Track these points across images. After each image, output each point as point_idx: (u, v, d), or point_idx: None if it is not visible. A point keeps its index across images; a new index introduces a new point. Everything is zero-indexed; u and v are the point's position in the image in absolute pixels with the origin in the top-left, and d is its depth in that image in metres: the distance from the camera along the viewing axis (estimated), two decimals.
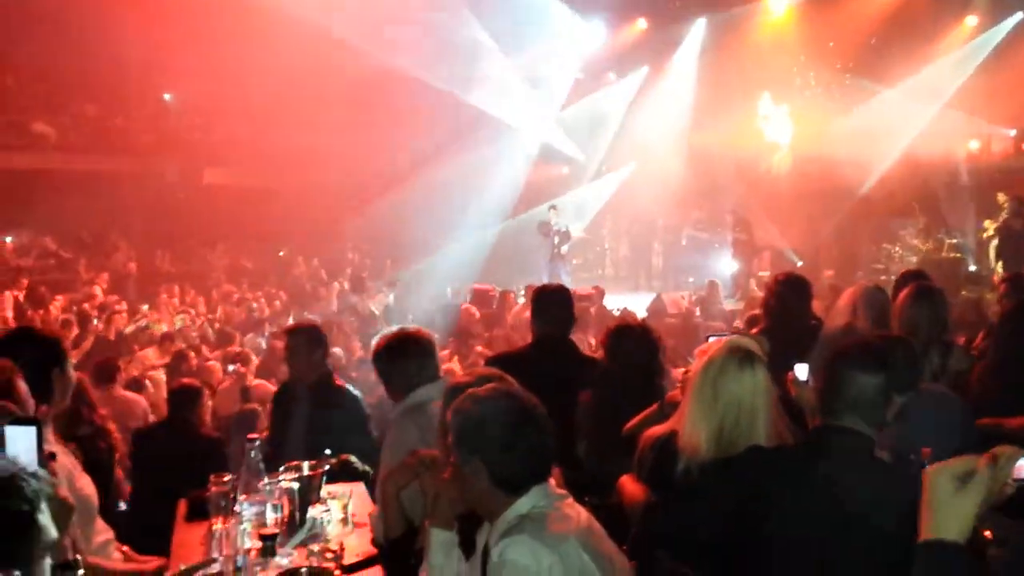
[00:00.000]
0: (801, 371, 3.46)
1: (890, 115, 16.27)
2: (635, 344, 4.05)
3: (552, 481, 2.41)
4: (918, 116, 16.37)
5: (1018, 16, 16.15)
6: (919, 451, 3.05)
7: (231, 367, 8.84)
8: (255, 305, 14.01)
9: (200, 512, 3.44)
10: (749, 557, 2.66)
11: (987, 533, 2.52)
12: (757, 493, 2.67)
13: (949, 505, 1.74)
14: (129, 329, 11.47)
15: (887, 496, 2.58)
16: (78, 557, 2.33)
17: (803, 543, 2.59)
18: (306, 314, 12.66)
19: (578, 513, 2.39)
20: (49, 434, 3.00)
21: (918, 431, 3.27)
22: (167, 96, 20.00)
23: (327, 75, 16.35)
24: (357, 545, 3.27)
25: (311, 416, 4.69)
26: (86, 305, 12.84)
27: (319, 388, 4.85)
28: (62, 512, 2.33)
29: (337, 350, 10.52)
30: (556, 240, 16.67)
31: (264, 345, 10.81)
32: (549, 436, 2.40)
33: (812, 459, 2.69)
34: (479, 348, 9.52)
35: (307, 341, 4.91)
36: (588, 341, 9.03)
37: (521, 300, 13.30)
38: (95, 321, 11.62)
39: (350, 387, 5.04)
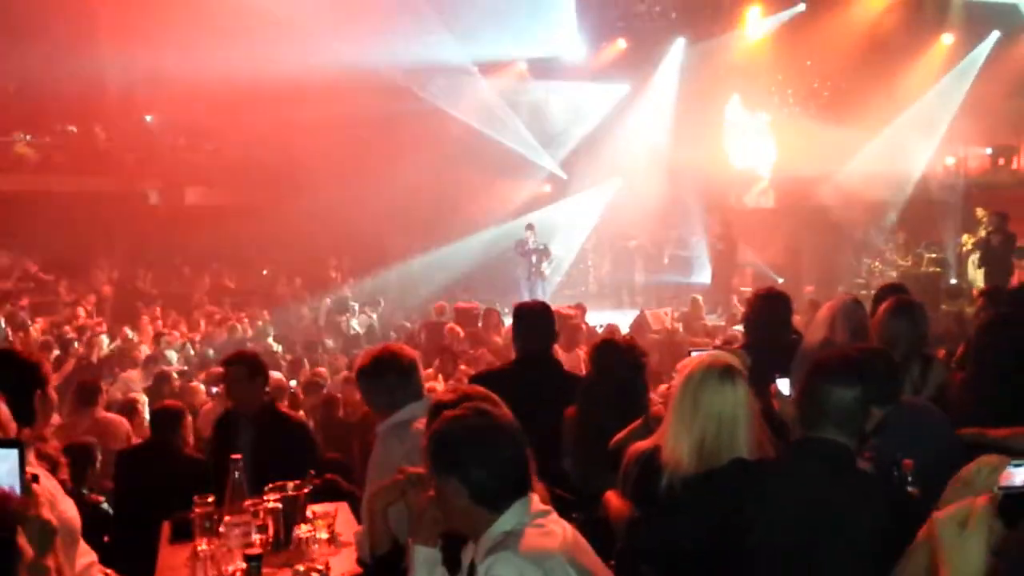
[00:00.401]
0: (783, 385, 3.49)
1: (868, 130, 16.43)
2: (621, 359, 4.07)
3: (535, 496, 2.43)
4: (898, 134, 16.57)
5: (995, 36, 16.35)
6: (900, 462, 3.08)
7: (214, 389, 8.80)
8: (238, 326, 13.96)
9: (184, 533, 3.43)
10: (732, 569, 2.68)
11: None
12: (739, 506, 2.69)
13: (959, 549, 1.76)
14: (106, 350, 11.40)
15: (867, 506, 2.61)
16: None
17: (785, 554, 2.61)
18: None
19: (563, 528, 2.40)
20: (31, 456, 2.99)
21: (899, 443, 3.30)
22: (148, 117, 19.97)
23: (311, 95, 16.37)
24: (343, 564, 3.27)
25: (256, 445, 4.56)
26: (67, 327, 12.76)
27: (263, 416, 4.77)
28: (45, 534, 2.32)
29: (321, 369, 10.52)
30: (534, 259, 16.72)
31: None
32: (525, 451, 2.42)
33: (793, 471, 2.72)
34: (463, 367, 9.53)
35: (247, 370, 4.81)
36: (581, 357, 9.03)
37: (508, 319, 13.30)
38: (76, 344, 11.55)
39: (294, 414, 4.99)
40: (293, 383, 9.38)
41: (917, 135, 16.52)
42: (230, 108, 16.70)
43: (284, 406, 5.72)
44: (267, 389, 4.96)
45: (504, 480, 2.36)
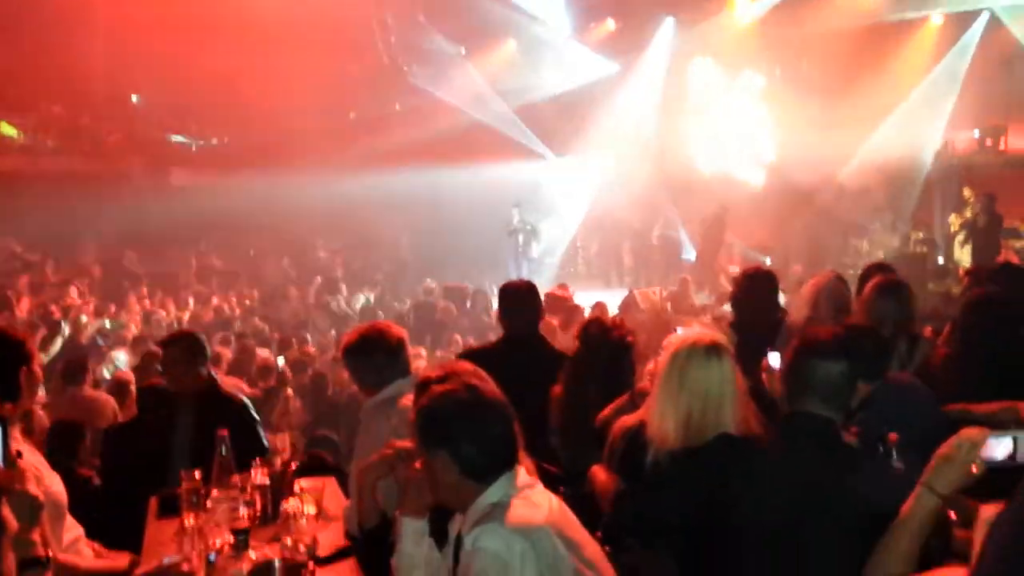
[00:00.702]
0: (774, 359, 3.50)
1: (858, 112, 16.43)
2: (608, 337, 4.07)
3: (522, 469, 2.43)
4: (896, 120, 16.60)
5: (986, 16, 16.31)
6: (885, 437, 3.10)
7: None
8: (225, 307, 13.93)
9: (171, 509, 3.43)
10: (717, 543, 2.69)
11: (951, 514, 2.57)
12: (725, 480, 2.71)
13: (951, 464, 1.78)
14: (92, 328, 11.35)
15: (853, 479, 2.63)
16: (48, 554, 2.32)
17: (771, 528, 2.63)
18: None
19: (549, 500, 2.41)
20: (15, 432, 2.99)
21: (885, 418, 3.32)
22: (134, 97, 19.83)
23: (296, 74, 16.29)
24: (330, 539, 3.28)
25: (197, 426, 4.51)
26: (53, 307, 12.69)
27: (205, 398, 4.68)
28: (30, 508, 2.32)
29: (310, 348, 10.53)
30: (521, 239, 16.69)
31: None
32: (513, 424, 2.42)
33: (779, 446, 2.73)
34: (458, 337, 9.58)
35: (185, 351, 4.73)
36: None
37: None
38: (63, 324, 11.49)
39: (236, 396, 4.94)
40: (281, 361, 9.38)
41: (915, 120, 16.54)
42: (216, 88, 16.61)
43: (227, 385, 5.62)
44: (207, 369, 4.81)
45: (493, 454, 2.37)
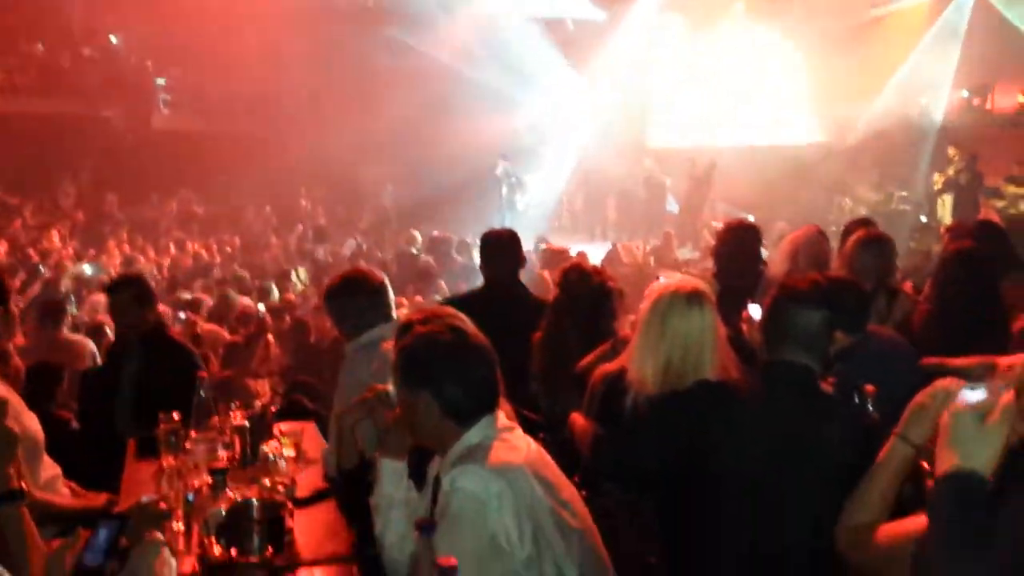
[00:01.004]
0: (755, 310, 3.51)
1: (853, 75, 16.37)
2: (587, 283, 4.07)
3: (502, 412, 2.44)
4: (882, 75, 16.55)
5: None
6: (861, 387, 3.12)
7: (181, 314, 8.76)
8: (205, 253, 13.84)
9: (150, 450, 3.42)
10: (696, 489, 2.71)
11: (924, 464, 2.59)
12: (704, 426, 2.72)
13: (976, 440, 1.76)
14: (72, 272, 11.26)
15: (830, 427, 2.65)
16: (23, 486, 2.31)
17: (748, 474, 2.65)
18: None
19: (527, 443, 2.42)
20: None
21: (863, 370, 3.34)
22: (114, 38, 19.46)
23: (280, 17, 16.03)
24: (309, 480, 3.29)
25: (140, 371, 4.50)
26: (31, 250, 12.60)
27: (150, 342, 4.62)
28: (6, 441, 2.31)
29: (291, 296, 10.50)
30: (505, 191, 16.61)
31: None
32: (494, 366, 2.43)
33: (758, 393, 2.74)
34: (443, 284, 9.57)
35: (132, 295, 4.67)
36: None
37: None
38: (41, 268, 11.41)
39: (183, 341, 4.90)
40: (262, 307, 9.35)
41: (912, 81, 16.52)
42: (199, 31, 16.33)
43: (177, 332, 5.57)
44: (154, 314, 4.79)
45: (475, 396, 2.37)
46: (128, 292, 4.68)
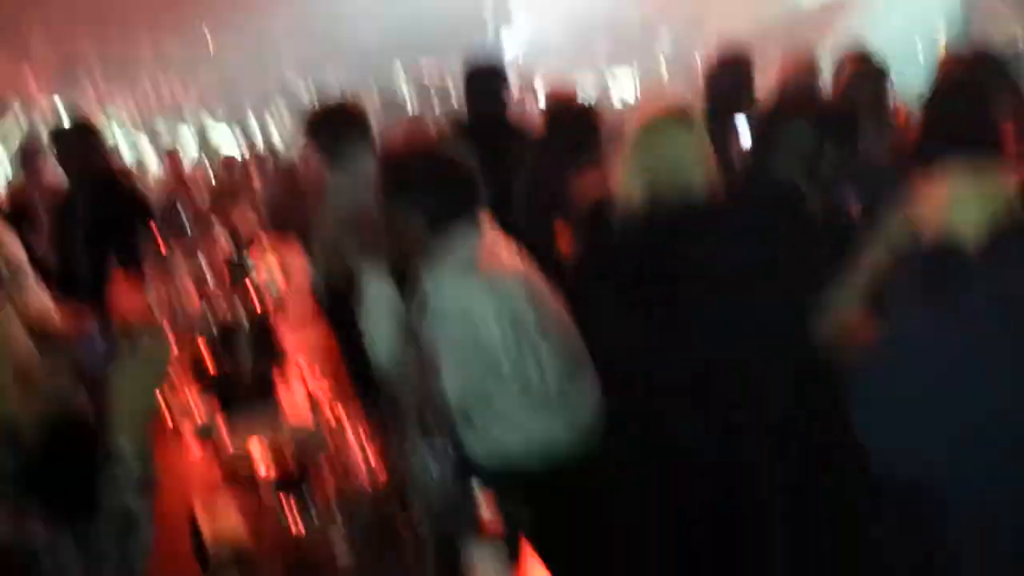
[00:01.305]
0: (743, 127, 3.46)
1: None
2: (572, 108, 4.00)
3: (486, 223, 2.45)
4: None
5: None
6: (844, 205, 3.12)
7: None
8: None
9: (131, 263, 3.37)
10: (678, 299, 2.72)
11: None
12: (687, 239, 2.72)
13: (967, 202, 1.73)
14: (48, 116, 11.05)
15: (813, 243, 2.66)
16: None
17: (730, 286, 2.66)
18: None
19: (513, 253, 2.44)
20: None
21: (851, 194, 3.34)
22: None
23: None
24: (299, 309, 3.33)
25: (90, 215, 4.43)
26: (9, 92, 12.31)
27: (97, 186, 4.52)
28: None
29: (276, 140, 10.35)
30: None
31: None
32: (478, 178, 2.44)
33: (743, 208, 2.73)
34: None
35: (77, 139, 4.57)
36: None
37: None
38: (16, 109, 11.16)
39: (131, 184, 4.83)
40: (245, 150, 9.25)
41: None
42: None
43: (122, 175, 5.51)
44: (104, 159, 4.71)
45: (459, 205, 2.38)
46: (72, 136, 4.59)
